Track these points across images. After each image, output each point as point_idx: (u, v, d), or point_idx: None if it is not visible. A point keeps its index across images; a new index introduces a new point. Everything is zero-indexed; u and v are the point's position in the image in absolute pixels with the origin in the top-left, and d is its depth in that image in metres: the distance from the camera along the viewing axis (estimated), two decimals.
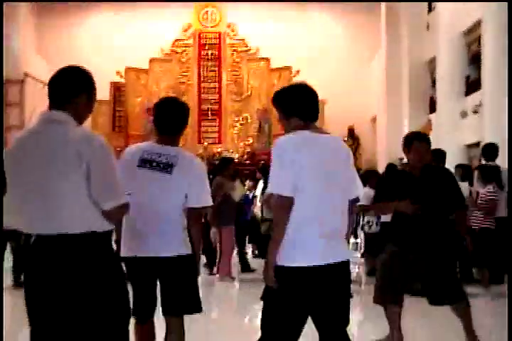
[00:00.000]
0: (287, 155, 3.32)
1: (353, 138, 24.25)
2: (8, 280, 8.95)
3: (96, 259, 2.99)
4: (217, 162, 22.19)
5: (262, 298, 3.53)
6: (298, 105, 3.56)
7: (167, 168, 3.84)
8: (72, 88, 3.11)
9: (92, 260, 2.97)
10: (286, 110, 3.59)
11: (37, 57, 25.70)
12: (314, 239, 3.34)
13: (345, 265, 3.48)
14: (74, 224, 2.95)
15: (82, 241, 2.95)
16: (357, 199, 3.67)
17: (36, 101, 21.98)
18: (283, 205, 3.31)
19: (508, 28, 11.42)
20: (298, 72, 24.11)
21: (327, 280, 3.39)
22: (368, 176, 10.21)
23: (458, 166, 10.58)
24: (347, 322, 3.55)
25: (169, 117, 4.01)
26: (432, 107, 18.65)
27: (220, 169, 10.30)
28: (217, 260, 10.27)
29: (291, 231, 3.33)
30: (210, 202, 4.00)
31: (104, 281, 3.00)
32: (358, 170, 12.09)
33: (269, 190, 3.38)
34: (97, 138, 3.01)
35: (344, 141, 21.66)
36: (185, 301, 3.98)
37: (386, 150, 21.61)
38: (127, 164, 3.94)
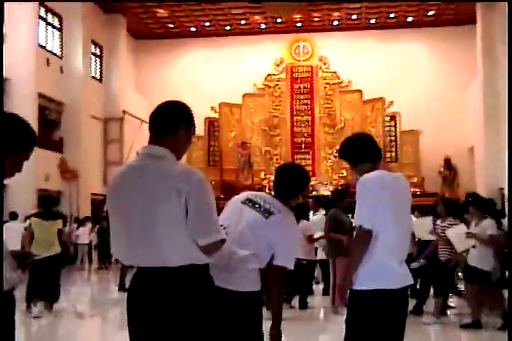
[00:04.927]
0: (372, 193, 3.74)
1: (449, 168, 23.67)
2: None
3: (196, 292, 3.01)
4: (312, 194, 22.33)
5: (346, 321, 3.79)
6: (364, 152, 4.00)
7: (265, 213, 3.89)
8: (172, 121, 3.15)
9: (192, 293, 3.00)
10: (354, 159, 4.02)
11: (134, 94, 26.64)
12: (396, 264, 3.75)
13: (408, 289, 3.94)
14: (175, 257, 2.98)
15: (183, 273, 2.98)
16: None
17: (134, 138, 22.71)
18: (364, 236, 3.74)
19: (508, 28, 10.94)
20: (391, 102, 23.93)
21: (400, 302, 3.78)
22: None
23: None
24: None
25: (285, 182, 4.05)
26: None
27: (335, 201, 9.93)
28: (330, 290, 9.95)
29: (376, 257, 3.71)
30: (290, 266, 3.84)
31: (203, 313, 3.02)
32: (456, 200, 11.51)
33: (354, 223, 3.91)
34: (195, 173, 3.02)
35: (440, 172, 21.13)
36: None
37: (485, 181, 20.96)
38: (233, 200, 4.05)
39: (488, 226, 8.42)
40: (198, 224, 2.98)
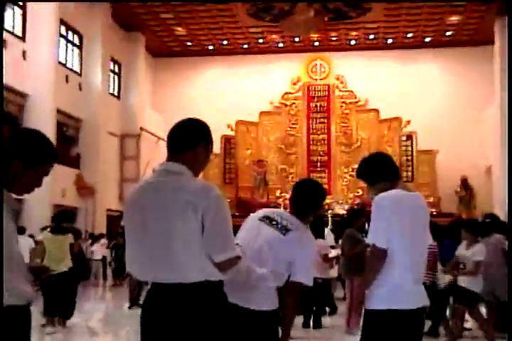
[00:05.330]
0: (386, 212, 3.70)
1: (466, 188, 23.52)
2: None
3: (211, 309, 3.00)
4: (328, 213, 22.24)
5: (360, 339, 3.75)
6: (382, 171, 3.95)
7: (283, 229, 3.88)
8: (191, 138, 3.16)
9: (207, 309, 2.99)
10: (371, 178, 3.99)
11: (152, 111, 26.79)
12: (411, 284, 3.70)
13: (424, 310, 3.80)
14: (190, 272, 2.97)
15: (197, 290, 2.97)
16: None
17: (150, 155, 22.80)
18: (378, 254, 3.70)
19: (508, 27, 10.92)
20: (408, 122, 23.87)
21: (416, 323, 3.73)
22: None
23: None
24: None
25: (302, 198, 4.05)
26: None
27: (350, 221, 9.84)
28: (345, 311, 9.79)
29: (391, 277, 3.66)
30: (309, 282, 3.86)
31: (218, 331, 3.00)
32: (436, 223, 11.39)
33: (367, 241, 3.78)
34: (213, 189, 3.02)
35: (456, 192, 20.75)
36: None
37: (503, 202, 20.76)
38: (251, 217, 4.06)
39: (478, 252, 8.10)
40: (214, 240, 2.98)
